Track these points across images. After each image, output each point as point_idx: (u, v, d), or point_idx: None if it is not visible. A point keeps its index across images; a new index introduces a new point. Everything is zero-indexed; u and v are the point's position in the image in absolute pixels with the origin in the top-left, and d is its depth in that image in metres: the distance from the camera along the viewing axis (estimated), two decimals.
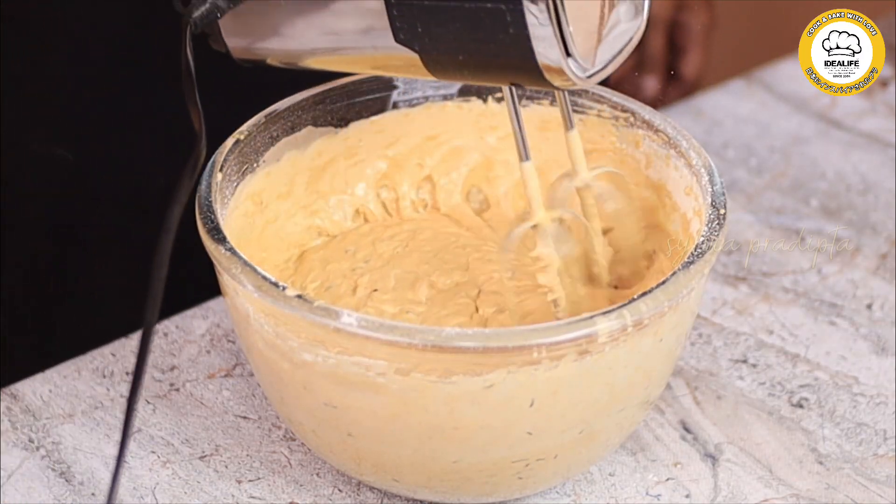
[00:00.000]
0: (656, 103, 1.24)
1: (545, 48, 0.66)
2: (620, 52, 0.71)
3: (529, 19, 0.65)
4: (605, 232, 0.80)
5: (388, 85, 0.83)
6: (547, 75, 0.67)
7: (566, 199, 0.78)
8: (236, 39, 0.74)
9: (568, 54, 0.67)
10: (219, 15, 0.72)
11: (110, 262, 0.97)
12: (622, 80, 1.26)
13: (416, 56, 0.69)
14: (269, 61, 0.75)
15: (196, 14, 0.71)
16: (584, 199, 0.78)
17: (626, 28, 0.71)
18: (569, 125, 0.77)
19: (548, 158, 0.84)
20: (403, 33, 0.68)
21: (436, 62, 0.69)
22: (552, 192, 0.78)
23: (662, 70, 1.25)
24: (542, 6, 0.65)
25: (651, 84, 1.25)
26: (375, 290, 0.79)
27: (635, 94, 1.26)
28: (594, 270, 0.78)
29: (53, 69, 0.91)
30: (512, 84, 0.71)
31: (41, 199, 0.94)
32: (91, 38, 0.90)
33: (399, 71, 0.72)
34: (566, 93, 0.77)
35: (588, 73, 0.68)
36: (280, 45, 0.73)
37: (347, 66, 0.75)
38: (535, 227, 0.75)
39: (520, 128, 0.74)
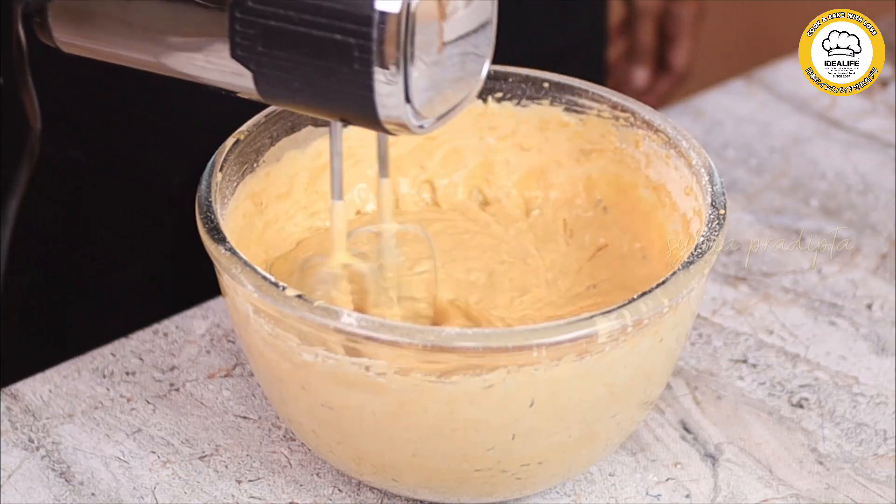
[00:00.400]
0: (647, 93, 1.24)
1: (387, 90, 0.65)
2: (457, 106, 0.70)
3: (376, 58, 0.64)
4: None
5: None
6: (382, 117, 0.66)
7: (374, 247, 0.77)
8: (63, 31, 0.71)
9: (408, 100, 0.66)
10: None
11: (112, 262, 0.97)
12: (614, 71, 1.27)
13: (248, 74, 0.67)
14: (97, 58, 0.72)
15: None
16: (385, 247, 0.77)
17: (465, 82, 0.70)
18: (384, 173, 0.75)
19: (548, 158, 0.84)
20: (241, 49, 0.66)
21: (269, 84, 0.67)
22: (359, 237, 0.77)
23: (653, 60, 1.26)
24: (392, 47, 0.64)
25: (642, 75, 1.25)
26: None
27: (626, 84, 1.27)
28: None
29: (65, 70, 0.91)
30: (342, 120, 0.69)
31: (51, 200, 0.94)
32: None
33: (226, 86, 0.69)
34: (386, 140, 0.75)
35: (422, 124, 0.67)
36: (110, 44, 0.71)
37: (175, 74, 0.71)
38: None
39: (337, 166, 0.72)
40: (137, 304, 0.96)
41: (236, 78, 0.68)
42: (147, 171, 0.94)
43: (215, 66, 0.68)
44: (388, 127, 0.67)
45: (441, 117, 0.69)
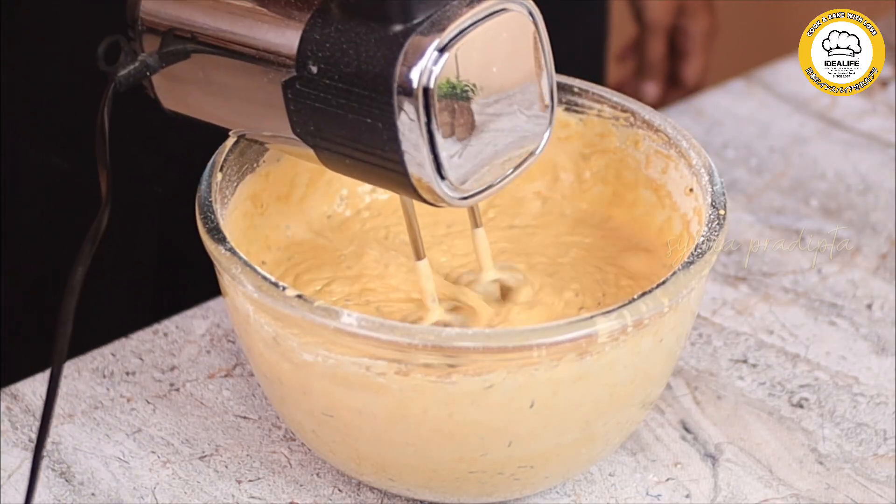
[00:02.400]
0: (658, 108, 1.24)
1: (417, 169, 0.67)
2: (512, 172, 0.71)
3: (403, 140, 0.66)
4: None
5: None
6: (421, 193, 0.68)
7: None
8: (166, 97, 0.74)
9: (441, 177, 0.67)
10: (148, 73, 0.71)
11: (110, 264, 0.97)
12: (623, 86, 1.26)
13: (311, 149, 0.70)
14: (196, 118, 0.75)
15: (123, 73, 0.71)
16: (486, 296, 0.78)
17: (521, 146, 0.71)
18: (475, 223, 0.77)
19: (545, 159, 0.84)
20: (299, 127, 0.69)
21: (328, 160, 0.70)
22: (457, 286, 0.79)
23: (663, 76, 1.25)
24: (415, 129, 0.66)
25: (652, 90, 1.25)
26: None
27: (636, 99, 1.27)
28: None
29: (51, 79, 0.91)
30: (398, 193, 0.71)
31: (41, 205, 0.94)
32: (89, 48, 0.90)
33: (301, 157, 0.72)
34: None
35: (462, 196, 0.69)
36: (200, 113, 0.74)
37: (265, 142, 0.75)
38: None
39: (415, 227, 0.74)
40: (137, 304, 0.96)
41: (305, 151, 0.70)
42: (143, 180, 0.94)
43: (288, 139, 0.70)
44: (429, 200, 0.68)
45: (490, 187, 0.70)
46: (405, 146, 0.66)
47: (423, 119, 0.66)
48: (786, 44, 1.02)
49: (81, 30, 0.89)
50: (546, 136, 0.72)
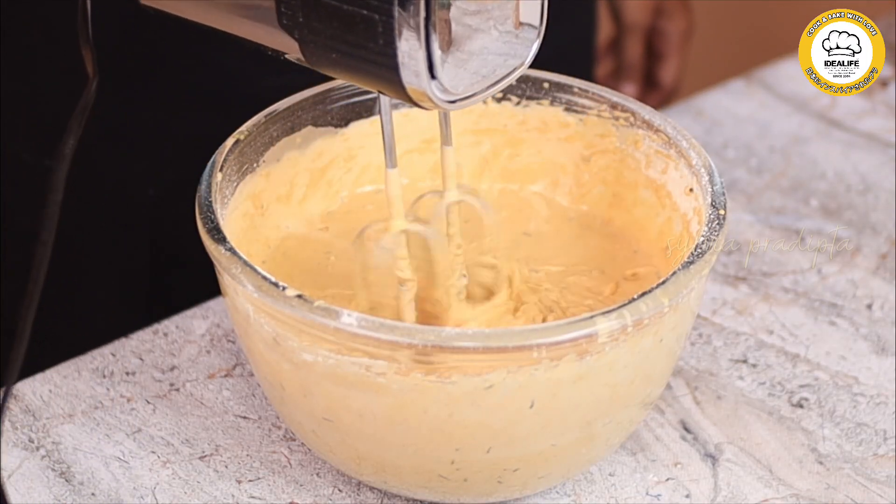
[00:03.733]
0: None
1: (409, 67, 0.66)
2: (499, 81, 0.70)
3: (398, 34, 0.65)
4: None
5: None
6: (410, 93, 0.67)
7: (432, 215, 0.77)
8: None
9: (433, 77, 0.66)
10: None
11: (109, 264, 0.97)
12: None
13: (295, 43, 0.69)
14: (172, 12, 0.73)
15: None
16: (449, 216, 0.77)
17: (510, 57, 0.70)
18: (445, 141, 0.76)
19: (546, 160, 0.84)
20: (286, 18, 0.68)
21: (312, 54, 0.69)
22: (420, 205, 0.77)
23: (641, 77, 1.26)
24: (413, 24, 0.65)
25: (629, 91, 1.25)
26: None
27: None
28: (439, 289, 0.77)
29: (43, 82, 0.91)
30: (380, 92, 0.70)
31: (36, 207, 0.95)
32: (80, 53, 0.90)
33: (279, 54, 0.71)
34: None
35: (450, 99, 0.68)
36: (177, 8, 0.72)
37: (243, 36, 0.72)
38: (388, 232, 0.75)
39: (390, 134, 0.73)
40: (137, 304, 0.96)
41: (287, 46, 0.69)
42: (136, 182, 0.95)
43: (270, 32, 0.69)
44: (418, 101, 0.67)
45: (478, 93, 0.69)
46: (400, 41, 0.65)
47: (423, 14, 0.65)
48: (786, 44, 1.02)
49: (73, 33, 0.90)
50: (534, 49, 0.71)
